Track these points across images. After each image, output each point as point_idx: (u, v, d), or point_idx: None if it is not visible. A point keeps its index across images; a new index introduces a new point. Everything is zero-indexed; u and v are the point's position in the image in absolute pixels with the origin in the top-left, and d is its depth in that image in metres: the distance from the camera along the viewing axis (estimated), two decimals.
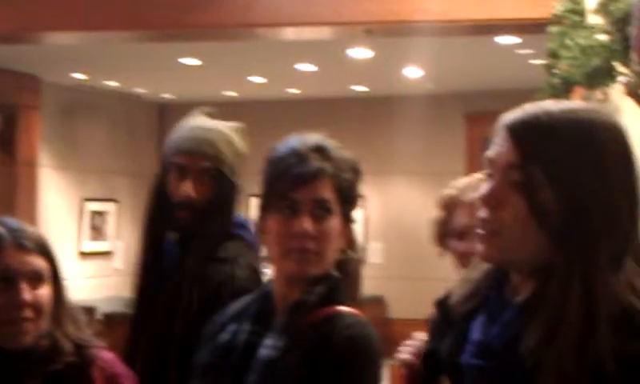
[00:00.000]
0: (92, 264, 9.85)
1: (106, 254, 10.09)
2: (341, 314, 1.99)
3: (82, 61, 8.17)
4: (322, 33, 5.84)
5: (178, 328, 2.60)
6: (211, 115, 2.82)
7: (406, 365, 2.12)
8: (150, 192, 2.82)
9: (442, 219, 2.58)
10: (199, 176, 2.70)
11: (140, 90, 10.05)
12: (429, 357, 1.73)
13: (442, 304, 1.71)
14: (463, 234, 2.49)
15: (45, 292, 2.13)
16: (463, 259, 2.46)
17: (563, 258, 1.49)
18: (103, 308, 8.20)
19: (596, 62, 3.66)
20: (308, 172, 1.98)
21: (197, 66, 8.21)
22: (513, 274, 1.59)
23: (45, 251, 2.16)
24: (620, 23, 3.60)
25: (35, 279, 2.12)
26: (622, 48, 3.61)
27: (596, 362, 1.43)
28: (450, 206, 2.56)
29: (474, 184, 2.48)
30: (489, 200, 1.55)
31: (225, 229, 2.76)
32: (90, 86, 9.52)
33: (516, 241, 1.53)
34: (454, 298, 1.65)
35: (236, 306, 2.14)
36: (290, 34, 5.90)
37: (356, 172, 2.08)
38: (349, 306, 2.03)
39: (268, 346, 1.96)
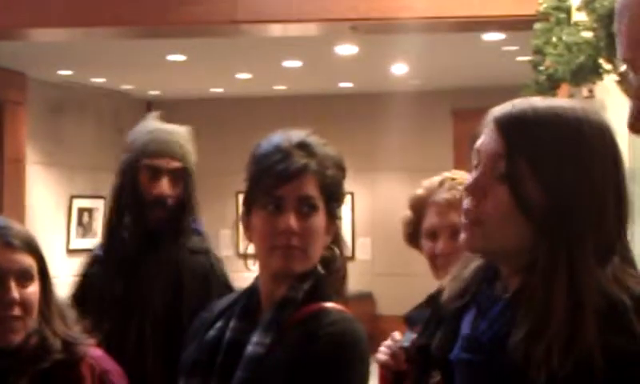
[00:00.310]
0: (80, 261, 9.82)
1: None
2: (326, 311, 1.98)
3: (68, 57, 8.15)
4: (309, 29, 5.83)
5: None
6: (163, 118, 2.94)
7: (383, 365, 2.13)
8: (115, 194, 2.92)
9: (411, 219, 2.59)
10: (170, 175, 2.83)
11: (127, 87, 10.03)
12: (420, 352, 1.71)
13: (434, 300, 1.71)
14: (433, 234, 2.49)
15: (33, 290, 2.12)
16: (435, 259, 2.47)
17: (547, 251, 1.50)
18: None
19: (581, 58, 3.67)
20: (292, 169, 1.98)
21: (183, 63, 8.20)
22: (502, 270, 1.59)
23: (32, 249, 2.15)
24: (605, 20, 3.60)
25: (23, 277, 2.11)
26: (607, 45, 3.62)
27: (584, 356, 1.44)
28: (420, 206, 2.55)
29: (444, 184, 2.50)
30: (473, 189, 1.55)
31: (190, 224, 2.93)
32: (77, 83, 9.50)
33: (497, 231, 1.53)
34: (446, 295, 1.64)
35: (222, 302, 2.13)
36: (276, 30, 5.89)
37: (341, 168, 2.08)
38: (334, 302, 2.03)
39: (254, 343, 1.95)
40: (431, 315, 1.71)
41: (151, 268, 2.84)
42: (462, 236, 1.58)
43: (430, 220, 2.50)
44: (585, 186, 1.51)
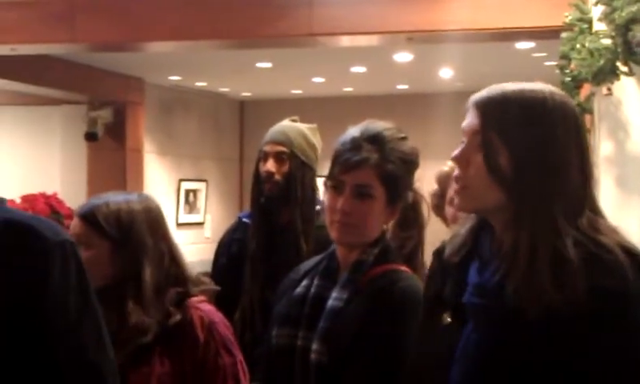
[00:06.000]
0: (187, 233, 9.91)
1: (198, 225, 10.15)
2: (394, 270, 1.98)
3: (177, 65, 8.23)
4: (372, 40, 5.79)
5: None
6: (294, 120, 2.99)
7: None
8: (253, 175, 2.95)
9: (438, 192, 2.62)
10: (276, 157, 2.84)
11: (224, 89, 10.10)
12: (433, 300, 1.65)
13: (439, 254, 1.66)
14: None
15: None
16: (457, 221, 2.49)
17: (514, 208, 1.49)
18: (197, 269, 8.26)
19: (601, 62, 3.58)
20: (353, 160, 1.96)
21: (269, 69, 8.22)
22: (495, 226, 1.56)
23: None
24: (622, 29, 3.52)
25: None
26: (623, 50, 3.53)
27: (572, 296, 1.41)
28: (446, 179, 2.60)
29: None
30: (459, 159, 1.56)
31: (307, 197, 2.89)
32: (184, 86, 9.59)
33: (479, 192, 1.52)
34: (448, 250, 1.62)
35: (306, 264, 2.13)
36: (345, 41, 5.87)
37: (406, 163, 2.03)
38: (399, 264, 2.02)
39: (334, 298, 1.95)
40: (436, 268, 1.66)
41: (276, 233, 2.83)
42: (456, 200, 1.58)
43: (453, 189, 2.52)
44: (547, 152, 1.49)
